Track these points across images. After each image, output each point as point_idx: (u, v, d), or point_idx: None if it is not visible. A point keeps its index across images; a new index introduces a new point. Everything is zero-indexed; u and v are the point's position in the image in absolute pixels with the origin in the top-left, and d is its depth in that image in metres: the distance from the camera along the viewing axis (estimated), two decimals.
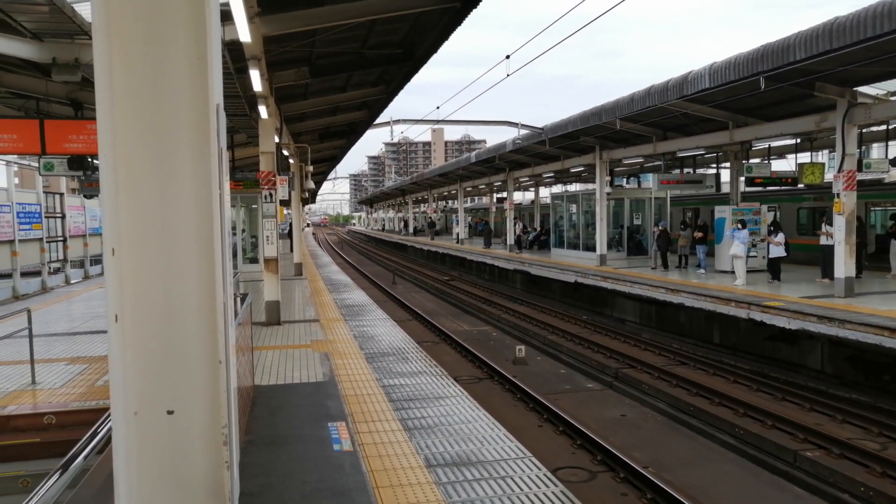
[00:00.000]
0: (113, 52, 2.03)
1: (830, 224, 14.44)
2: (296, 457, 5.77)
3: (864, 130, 16.37)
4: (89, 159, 11.93)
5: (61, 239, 22.58)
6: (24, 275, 19.09)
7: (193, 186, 2.07)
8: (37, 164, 13.96)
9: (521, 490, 5.08)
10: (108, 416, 2.71)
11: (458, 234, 41.22)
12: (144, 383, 2.07)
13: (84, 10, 7.51)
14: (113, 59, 2.04)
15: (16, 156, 18.21)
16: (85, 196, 18.37)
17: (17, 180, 21.35)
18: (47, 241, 20.87)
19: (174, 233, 2.06)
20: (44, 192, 20.86)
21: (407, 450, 5.95)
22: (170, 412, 2.08)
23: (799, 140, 19.09)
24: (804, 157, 20.27)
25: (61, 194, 22.69)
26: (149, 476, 2.06)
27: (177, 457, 2.08)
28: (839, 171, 13.25)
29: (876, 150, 22.77)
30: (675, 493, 7.29)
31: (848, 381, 11.55)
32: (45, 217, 20.77)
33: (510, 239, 31.43)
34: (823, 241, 15.26)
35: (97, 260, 26.12)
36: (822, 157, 22.48)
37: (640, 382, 12.23)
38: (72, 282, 22.27)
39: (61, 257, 22.58)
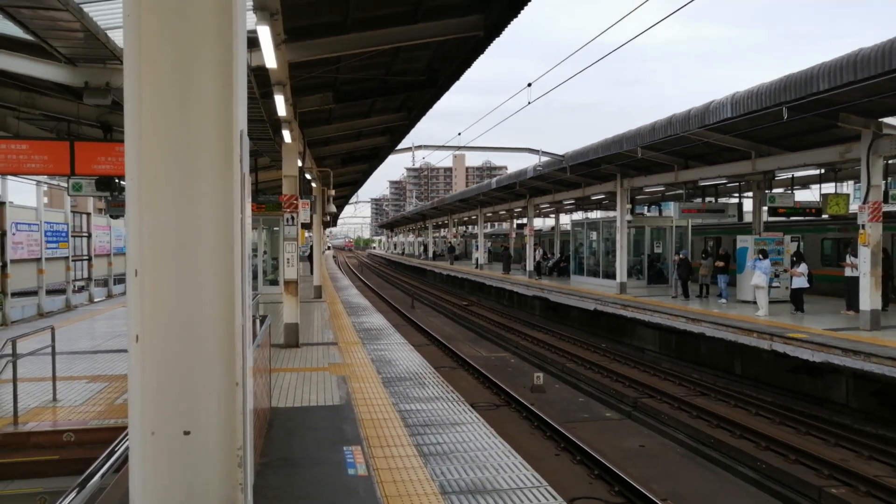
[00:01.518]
0: (142, 77, 2.10)
1: (855, 255, 14.23)
2: (310, 480, 5.76)
3: (889, 161, 16.19)
4: (116, 180, 12.18)
5: (87, 258, 22.95)
6: (49, 292, 19.41)
7: (215, 210, 2.11)
8: (66, 185, 14.28)
9: None
10: (126, 434, 2.74)
11: (477, 260, 41.19)
12: (162, 403, 2.09)
13: (117, 37, 7.72)
14: (142, 84, 2.10)
15: (46, 176, 18.64)
16: (111, 216, 18.73)
17: (46, 199, 21.79)
18: (73, 260, 21.22)
19: (195, 256, 2.10)
20: (71, 211, 21.27)
21: (422, 476, 5.91)
22: (186, 433, 2.10)
23: (823, 170, 18.91)
24: (828, 188, 20.05)
25: (88, 214, 23.13)
26: (164, 496, 2.08)
27: (192, 477, 2.10)
28: (864, 202, 13.10)
29: None
30: None
31: (874, 416, 11.28)
32: (72, 236, 21.16)
33: (529, 265, 31.34)
34: (848, 272, 15.03)
35: (121, 279, 26.48)
36: (847, 187, 22.22)
37: (659, 413, 12.05)
38: (95, 300, 22.58)
39: (86, 276, 22.93)
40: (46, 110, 11.20)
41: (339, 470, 6.01)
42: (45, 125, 12.27)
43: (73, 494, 2.82)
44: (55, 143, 9.87)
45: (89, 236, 23.05)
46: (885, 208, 13.52)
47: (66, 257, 20.62)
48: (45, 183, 20.96)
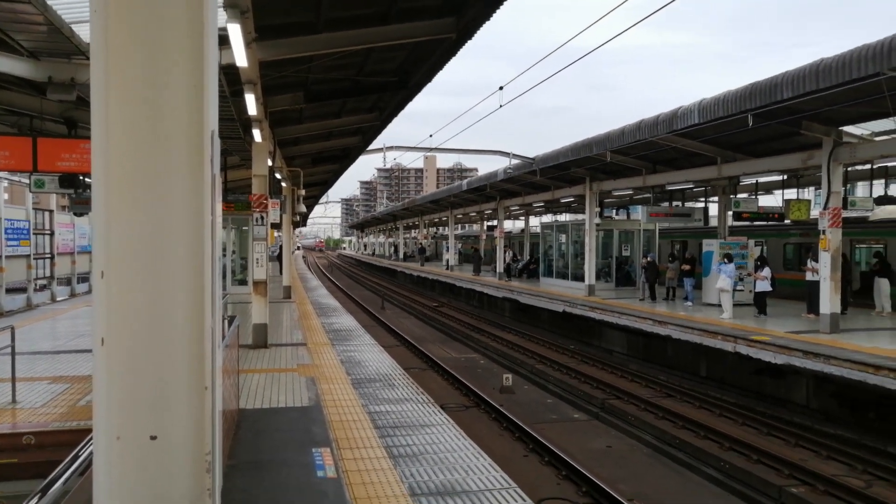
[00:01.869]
0: (110, 74, 2.05)
1: (816, 260, 14.59)
2: (279, 483, 5.71)
3: (849, 169, 16.63)
4: (81, 177, 11.92)
5: (49, 256, 22.44)
6: (9, 291, 18.91)
7: (185, 211, 2.08)
8: (27, 181, 13.94)
9: None
10: (90, 438, 2.69)
11: (447, 261, 41.25)
12: (128, 407, 2.05)
13: (82, 31, 7.56)
14: (109, 81, 2.06)
15: (6, 172, 18.17)
16: (75, 214, 18.33)
17: (6, 196, 21.25)
18: (35, 258, 20.72)
19: (164, 257, 2.06)
20: (33, 208, 20.77)
21: (392, 478, 5.90)
22: (153, 437, 2.07)
23: (786, 176, 19.37)
24: (791, 194, 20.55)
25: (51, 211, 22.61)
26: (130, 502, 2.04)
27: (159, 483, 2.06)
28: (825, 208, 13.43)
29: (861, 189, 23.11)
30: None
31: (833, 417, 11.58)
32: (34, 233, 20.66)
33: (499, 267, 31.49)
34: (809, 276, 15.40)
35: (84, 278, 25.94)
36: (809, 193, 22.78)
37: (626, 414, 12.20)
38: (58, 299, 22.08)
39: (48, 274, 22.41)
40: (8, 105, 10.92)
41: (308, 472, 5.96)
42: (6, 120, 11.97)
43: (35, 499, 2.75)
44: (17, 138, 9.63)
45: (52, 234, 22.53)
46: (845, 214, 13.88)
47: (28, 255, 20.13)
48: (6, 179, 20.44)
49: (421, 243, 53.14)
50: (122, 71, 2.06)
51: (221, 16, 6.86)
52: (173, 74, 2.09)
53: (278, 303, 20.94)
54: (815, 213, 16.33)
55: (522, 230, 40.62)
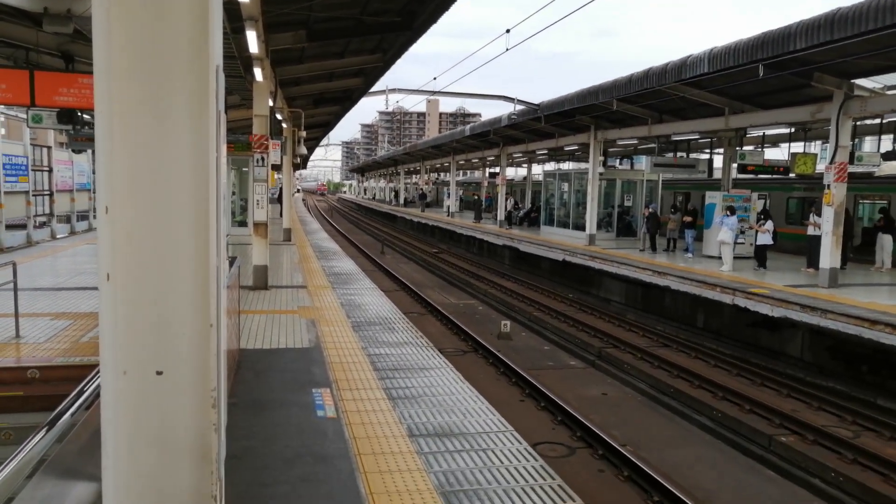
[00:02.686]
0: (111, 3, 1.99)
1: (819, 214, 14.54)
2: (279, 421, 5.82)
3: (857, 123, 16.41)
4: (79, 113, 11.74)
5: (48, 193, 22.32)
6: (8, 227, 18.88)
7: (190, 148, 2.04)
8: (25, 116, 13.74)
9: (502, 463, 5.15)
10: (97, 372, 2.71)
11: (448, 207, 41.14)
12: (134, 343, 2.06)
13: None
14: (111, 11, 1.99)
15: (2, 106, 17.90)
16: (74, 151, 18.13)
17: (3, 131, 21.00)
18: (34, 195, 20.62)
19: (169, 193, 2.03)
20: (31, 144, 20.55)
21: (390, 419, 6.01)
22: (159, 373, 2.08)
23: (793, 129, 19.11)
24: (797, 147, 20.33)
25: (49, 147, 22.37)
26: (136, 435, 2.07)
27: (165, 417, 2.09)
28: (831, 162, 13.31)
29: (868, 144, 22.85)
30: (650, 472, 7.43)
31: (826, 370, 11.74)
32: (32, 170, 20.49)
33: (501, 214, 31.42)
34: (811, 231, 15.39)
35: (84, 216, 25.88)
36: (815, 147, 22.54)
37: (622, 362, 12.37)
38: (58, 237, 22.07)
39: (48, 211, 22.34)
40: (2, 36, 10.67)
41: (307, 411, 6.08)
42: (2, 52, 11.71)
43: (43, 431, 2.80)
44: (14, 71, 9.45)
45: (50, 171, 22.36)
46: (850, 169, 13.76)
47: (27, 192, 20.02)
48: (2, 113, 20.17)
49: (422, 189, 52.90)
50: (124, 3, 1.99)
51: None
52: (177, 7, 2.02)
53: (278, 245, 20.98)
54: (820, 167, 16.19)
55: (525, 178, 40.36)
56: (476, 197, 40.31)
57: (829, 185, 13.30)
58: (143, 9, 2.00)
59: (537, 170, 39.24)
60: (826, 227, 13.44)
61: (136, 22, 2.00)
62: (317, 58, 15.69)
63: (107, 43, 1.99)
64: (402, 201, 58.14)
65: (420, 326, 11.90)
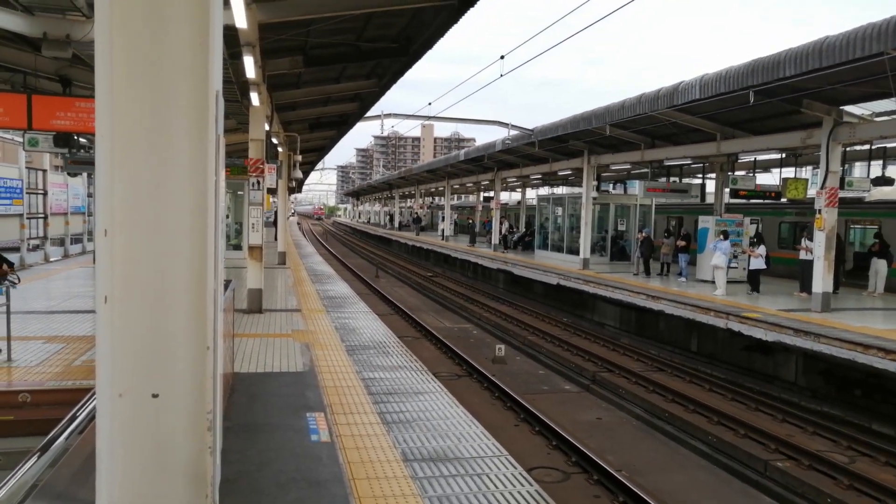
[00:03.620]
0: (114, 31, 2.03)
1: (811, 239, 14.64)
2: (273, 445, 5.77)
3: (847, 149, 16.60)
4: (76, 137, 11.80)
5: (42, 216, 22.29)
6: (2, 250, 18.82)
7: (189, 172, 2.07)
8: (21, 139, 13.78)
9: (497, 488, 5.12)
10: (91, 396, 2.71)
11: (443, 231, 41.22)
12: (131, 366, 2.07)
13: None
14: (114, 38, 2.03)
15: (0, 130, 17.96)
16: (69, 174, 18.17)
17: None
18: (28, 217, 20.59)
19: (168, 217, 2.06)
20: (26, 167, 20.57)
21: (384, 443, 5.98)
22: (155, 395, 2.09)
23: (784, 155, 19.33)
24: (788, 172, 20.53)
25: (44, 170, 22.39)
26: (132, 458, 2.07)
27: (160, 440, 2.09)
28: (822, 187, 13.44)
29: (858, 169, 23.11)
30: (646, 497, 7.38)
31: (820, 395, 11.74)
32: (27, 193, 20.49)
33: (495, 238, 31.50)
34: (803, 255, 15.48)
35: (78, 238, 25.83)
36: (806, 172, 22.76)
37: (617, 387, 12.34)
38: (51, 259, 22.00)
39: (41, 234, 22.29)
40: (1, 60, 10.74)
41: (301, 436, 6.03)
42: (0, 76, 11.77)
43: (35, 457, 2.78)
44: (11, 95, 9.50)
45: (45, 194, 22.36)
46: (841, 194, 13.89)
47: (21, 214, 19.99)
48: None
49: (417, 213, 53.02)
50: (125, 28, 2.04)
51: None
52: (178, 32, 2.06)
53: (273, 268, 20.94)
54: (812, 192, 16.34)
55: (519, 202, 40.53)
56: (470, 221, 40.43)
57: (820, 210, 13.42)
58: (144, 35, 2.04)
59: (531, 194, 39.45)
60: (818, 251, 13.52)
61: (137, 48, 2.04)
62: (313, 83, 15.83)
63: (108, 68, 2.03)
64: (396, 225, 58.24)
65: (414, 350, 11.85)
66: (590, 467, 8.45)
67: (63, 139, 11.84)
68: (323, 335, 10.81)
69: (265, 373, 8.30)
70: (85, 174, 21.14)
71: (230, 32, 8.93)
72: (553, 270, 21.50)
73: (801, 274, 15.74)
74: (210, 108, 2.10)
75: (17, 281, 8.75)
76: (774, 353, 12.73)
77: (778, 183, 18.76)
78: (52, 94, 10.45)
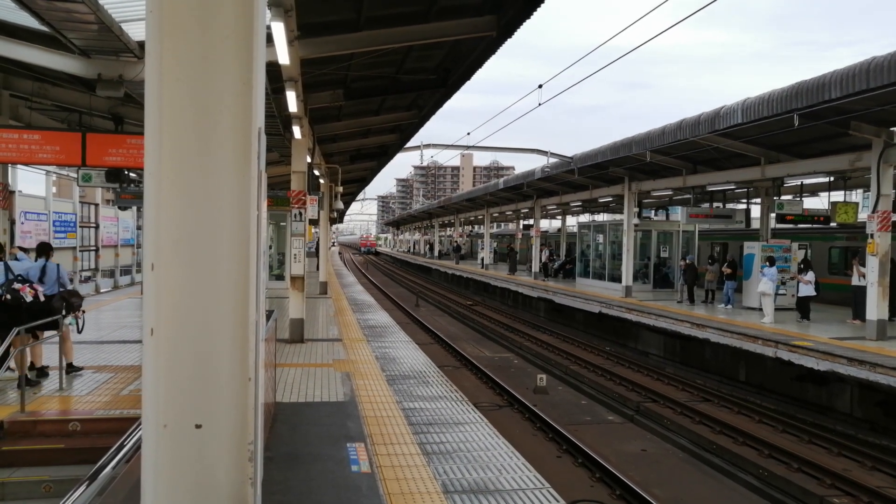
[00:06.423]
0: (164, 74, 2.11)
1: (863, 264, 14.18)
2: (314, 476, 5.78)
3: None
4: (126, 172, 12.24)
5: (94, 248, 23.07)
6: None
7: (232, 207, 2.13)
8: (75, 175, 14.36)
9: None
10: (138, 425, 2.76)
11: (483, 259, 41.21)
12: (175, 396, 2.11)
13: (130, 30, 7.76)
14: (163, 80, 2.11)
15: (55, 166, 18.74)
16: (119, 207, 18.78)
17: (54, 189, 21.92)
18: (80, 250, 21.33)
19: (211, 251, 2.11)
20: (79, 201, 21.38)
21: (425, 474, 5.93)
22: (198, 426, 2.12)
23: (832, 178, 18.84)
24: (837, 196, 19.98)
25: (96, 205, 23.24)
26: (175, 488, 2.10)
27: (203, 470, 2.12)
28: (873, 211, 13.05)
29: None
30: None
31: (878, 427, 11.25)
32: (80, 226, 21.27)
33: (535, 266, 31.32)
34: (855, 281, 14.98)
35: (127, 270, 26.62)
36: (856, 196, 22.14)
37: (662, 417, 12.04)
38: (101, 291, 22.68)
39: (93, 266, 23.04)
40: (58, 101, 11.26)
41: (342, 466, 6.03)
42: (57, 115, 12.33)
43: (84, 485, 2.84)
44: (67, 133, 9.92)
45: (97, 227, 23.16)
46: (894, 218, 13.47)
47: (74, 247, 20.73)
48: (55, 173, 21.07)
49: (456, 241, 53.16)
50: (174, 70, 2.11)
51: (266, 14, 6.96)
52: (223, 72, 2.13)
53: (315, 298, 21.18)
54: (862, 216, 15.86)
55: (559, 229, 40.32)
56: (511, 248, 40.34)
57: (872, 235, 13.01)
58: (192, 76, 2.12)
59: (571, 221, 39.21)
60: (871, 277, 13.09)
61: (185, 88, 2.12)
62: (354, 115, 16.15)
63: (158, 108, 2.11)
64: (436, 254, 58.42)
65: (455, 380, 11.80)
66: (635, 501, 8.22)
67: (115, 174, 12.30)
68: (364, 365, 10.85)
69: (306, 402, 8.35)
70: (134, 207, 21.83)
71: (273, 68, 9.20)
72: (595, 298, 21.24)
73: (854, 300, 15.22)
74: (252, 145, 2.15)
75: (84, 311, 9.16)
76: (828, 383, 12.28)
77: (826, 207, 18.27)
78: (105, 132, 10.89)
